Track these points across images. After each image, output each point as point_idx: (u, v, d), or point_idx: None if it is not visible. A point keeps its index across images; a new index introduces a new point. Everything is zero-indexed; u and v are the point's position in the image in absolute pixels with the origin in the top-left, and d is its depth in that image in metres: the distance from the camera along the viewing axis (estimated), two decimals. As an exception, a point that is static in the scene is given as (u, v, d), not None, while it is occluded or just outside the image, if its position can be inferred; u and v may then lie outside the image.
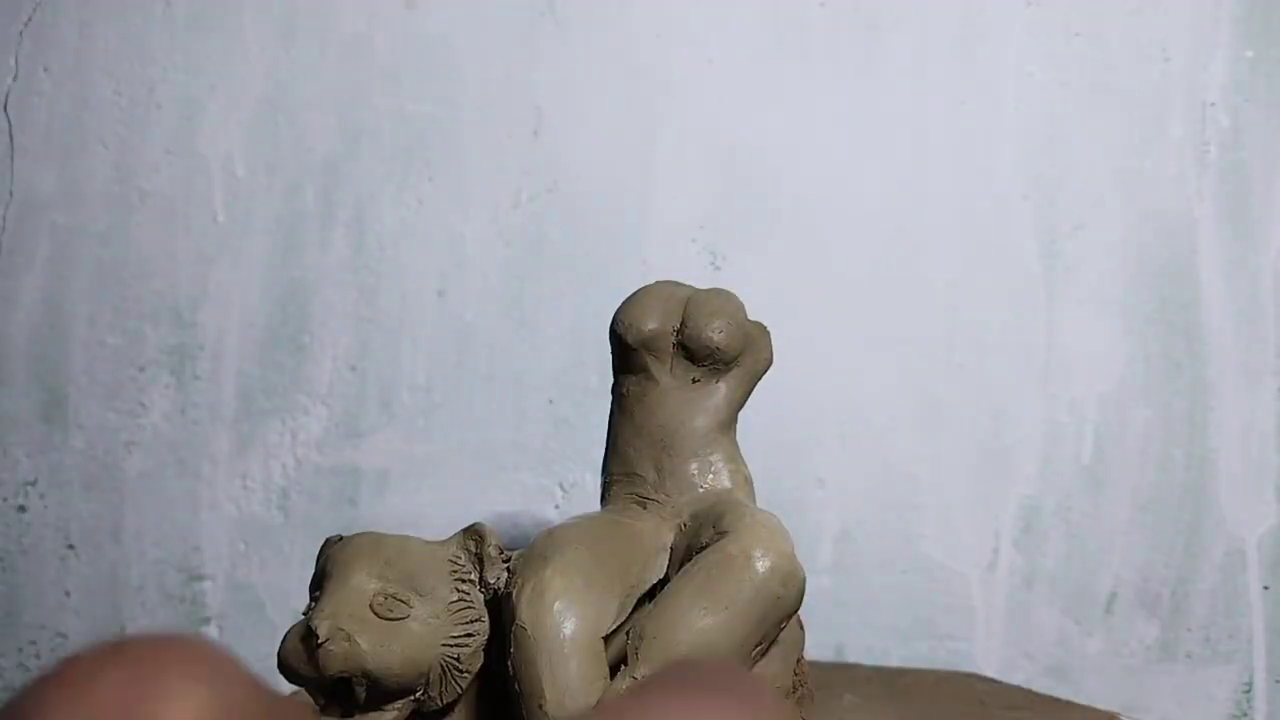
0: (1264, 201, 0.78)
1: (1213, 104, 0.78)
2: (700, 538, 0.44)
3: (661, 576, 0.45)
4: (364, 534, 0.47)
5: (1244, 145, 0.78)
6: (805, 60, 0.82)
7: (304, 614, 0.45)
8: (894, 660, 0.78)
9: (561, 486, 0.81)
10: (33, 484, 0.84)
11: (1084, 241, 0.79)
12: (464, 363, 0.82)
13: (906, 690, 0.66)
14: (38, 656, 0.84)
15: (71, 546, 0.84)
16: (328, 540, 0.48)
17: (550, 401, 0.81)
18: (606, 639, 0.42)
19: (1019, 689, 0.69)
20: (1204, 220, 0.78)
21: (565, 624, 0.41)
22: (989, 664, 0.77)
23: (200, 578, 0.83)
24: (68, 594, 0.84)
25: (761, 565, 0.42)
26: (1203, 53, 0.79)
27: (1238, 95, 0.78)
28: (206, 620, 0.83)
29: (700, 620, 0.40)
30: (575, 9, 0.83)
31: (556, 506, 0.81)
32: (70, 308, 0.85)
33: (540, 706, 0.40)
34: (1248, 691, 0.76)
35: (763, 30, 0.82)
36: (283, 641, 0.44)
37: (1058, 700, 0.65)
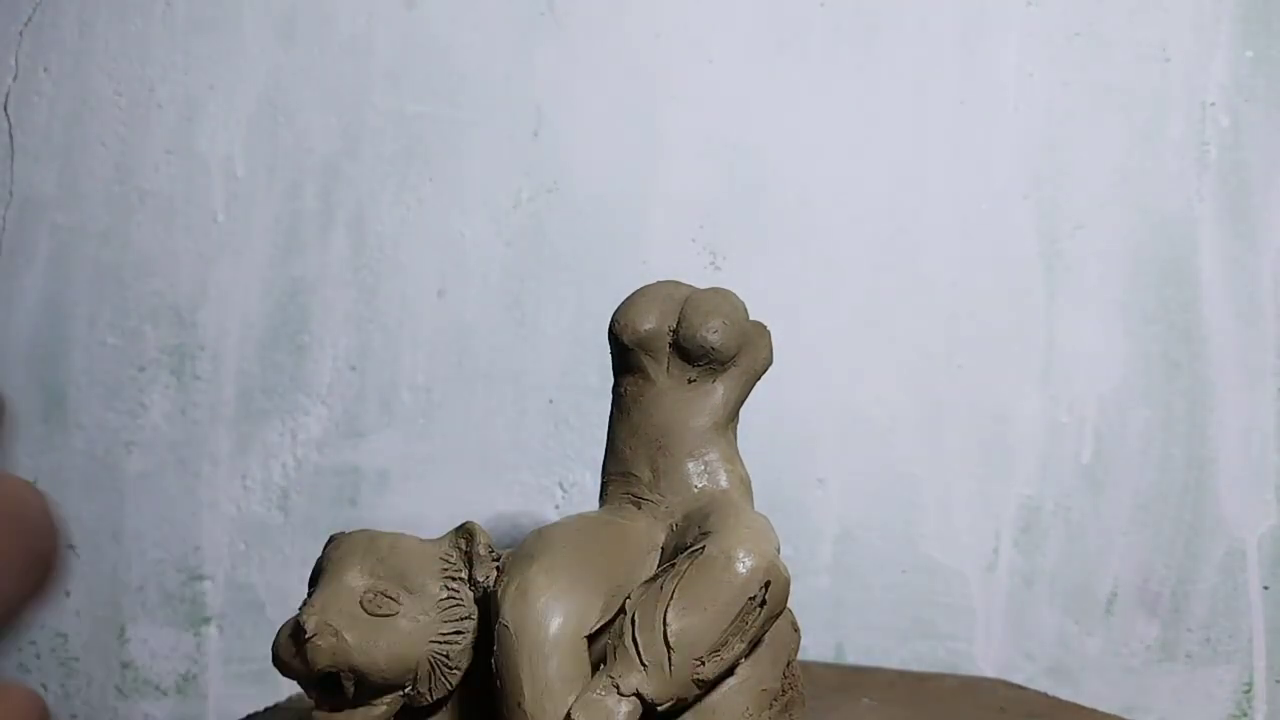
0: (1264, 201, 0.78)
1: (1213, 104, 0.78)
2: (686, 538, 0.44)
3: (651, 577, 0.45)
4: (360, 531, 0.47)
5: (1244, 145, 0.78)
6: (805, 60, 0.82)
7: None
8: (894, 660, 0.78)
9: (561, 486, 0.81)
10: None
11: (1084, 241, 0.79)
12: (464, 363, 0.82)
13: (927, 695, 0.66)
14: (38, 656, 0.84)
15: (72, 546, 0.84)
16: (330, 537, 0.48)
17: (550, 401, 0.81)
18: (591, 638, 0.42)
19: (1041, 695, 0.68)
20: (1204, 220, 0.78)
21: (548, 623, 0.41)
22: (989, 664, 0.77)
23: (200, 578, 0.83)
24: (68, 594, 0.84)
25: (742, 566, 0.41)
26: (1203, 53, 0.79)
27: (1238, 95, 0.78)
28: (206, 620, 0.83)
29: (678, 620, 0.40)
30: (575, 9, 0.83)
31: (556, 506, 0.81)
32: (70, 308, 0.85)
33: (519, 704, 0.40)
34: (1248, 691, 0.76)
35: (763, 30, 0.82)
36: (276, 636, 0.45)
37: (1081, 707, 0.65)
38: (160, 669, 0.83)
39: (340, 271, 0.83)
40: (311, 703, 0.45)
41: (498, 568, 0.45)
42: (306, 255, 0.84)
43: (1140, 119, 0.79)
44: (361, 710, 0.44)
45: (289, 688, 0.48)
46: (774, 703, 0.45)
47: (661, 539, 0.47)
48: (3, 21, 0.86)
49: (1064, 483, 0.78)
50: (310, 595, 0.45)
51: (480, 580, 0.45)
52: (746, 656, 0.43)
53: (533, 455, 0.81)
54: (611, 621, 0.43)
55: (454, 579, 0.45)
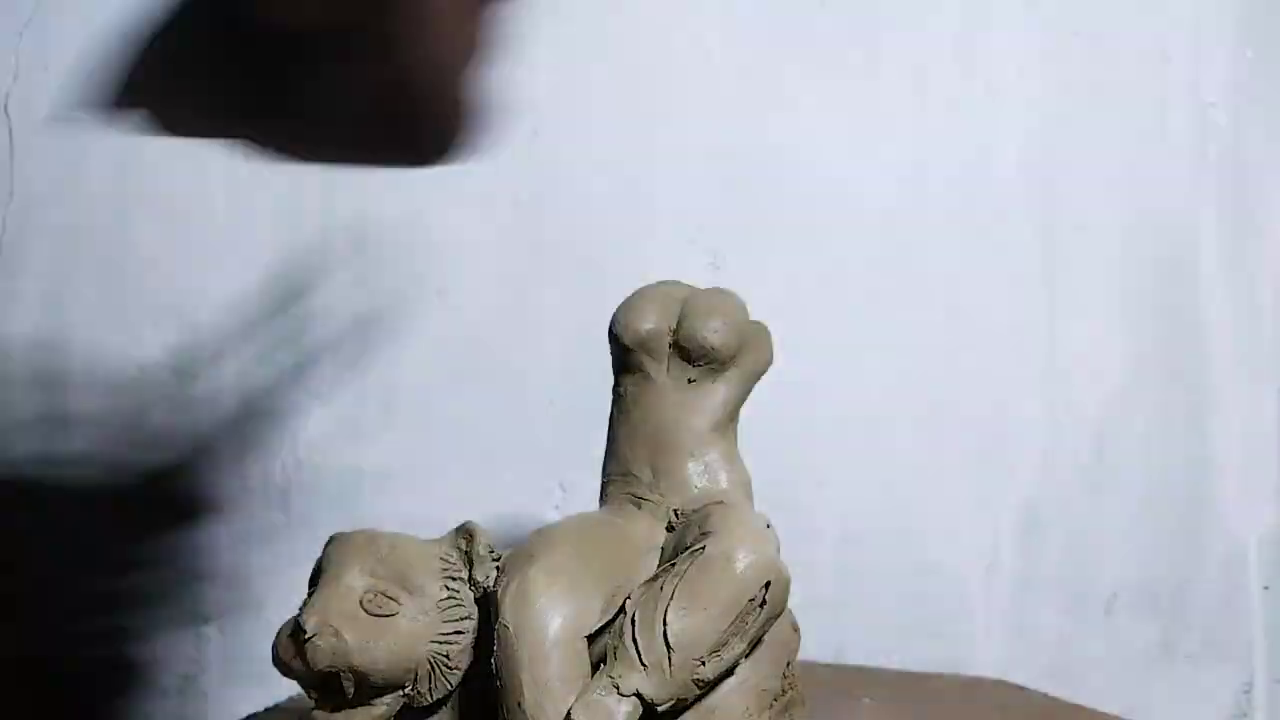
0: (1264, 201, 0.78)
1: (1213, 104, 0.78)
2: (686, 538, 0.44)
3: (651, 577, 0.45)
4: (359, 531, 0.47)
5: (1244, 145, 0.78)
6: (805, 60, 0.82)
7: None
8: (894, 660, 0.78)
9: (561, 486, 0.81)
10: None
11: (1084, 241, 0.79)
12: (464, 363, 0.82)
13: (927, 695, 0.66)
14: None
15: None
16: (330, 537, 0.48)
17: (550, 402, 0.81)
18: (591, 638, 0.42)
19: (1041, 695, 0.68)
20: (1204, 220, 0.78)
21: (548, 623, 0.41)
22: (989, 664, 0.77)
23: (200, 578, 0.83)
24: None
25: (742, 567, 0.41)
26: (1203, 53, 0.79)
27: (1238, 95, 0.78)
28: (206, 620, 0.83)
29: (678, 621, 0.40)
30: (574, 8, 0.83)
31: (556, 507, 0.81)
32: (70, 308, 0.85)
33: (519, 704, 0.40)
34: (1248, 691, 0.76)
35: (763, 30, 0.82)
36: (276, 636, 0.45)
37: (1081, 707, 0.65)
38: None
39: (340, 271, 0.83)
40: (311, 703, 0.45)
41: (498, 568, 0.45)
42: (307, 255, 0.84)
43: (1140, 119, 0.79)
44: (361, 710, 0.44)
45: (289, 688, 0.49)
46: (774, 703, 0.45)
47: (661, 539, 0.47)
48: (3, 21, 0.86)
49: (1064, 483, 0.78)
50: (310, 595, 0.45)
51: (480, 580, 0.45)
52: (746, 657, 0.43)
53: (533, 455, 0.81)
54: (611, 621, 0.43)
55: (454, 579, 0.46)
